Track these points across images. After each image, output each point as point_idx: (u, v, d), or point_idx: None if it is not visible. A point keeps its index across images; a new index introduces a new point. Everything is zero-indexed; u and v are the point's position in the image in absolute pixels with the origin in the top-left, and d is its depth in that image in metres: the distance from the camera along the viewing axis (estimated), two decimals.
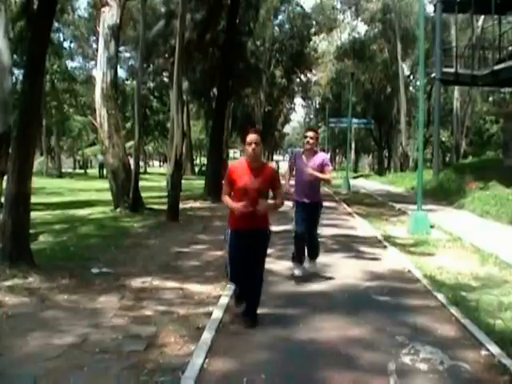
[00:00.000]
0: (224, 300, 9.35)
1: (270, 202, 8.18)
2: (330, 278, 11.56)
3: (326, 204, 13.15)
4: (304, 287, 10.72)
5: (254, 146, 7.82)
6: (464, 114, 65.84)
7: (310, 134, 11.10)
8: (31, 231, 12.52)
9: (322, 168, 10.97)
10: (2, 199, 12.27)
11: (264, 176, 7.96)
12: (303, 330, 7.99)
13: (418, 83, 66.44)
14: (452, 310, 9.04)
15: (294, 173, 11.33)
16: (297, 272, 11.40)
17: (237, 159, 14.91)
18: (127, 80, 67.30)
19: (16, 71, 36.59)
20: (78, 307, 8.91)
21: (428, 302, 9.81)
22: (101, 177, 57.50)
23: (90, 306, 9.01)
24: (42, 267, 11.17)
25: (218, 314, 8.54)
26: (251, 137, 7.87)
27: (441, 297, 9.87)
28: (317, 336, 7.71)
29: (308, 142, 11.00)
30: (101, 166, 61.23)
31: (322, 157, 11.17)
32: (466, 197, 27.93)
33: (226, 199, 8.08)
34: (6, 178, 12.19)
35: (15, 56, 34.63)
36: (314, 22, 76.70)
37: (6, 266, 10.60)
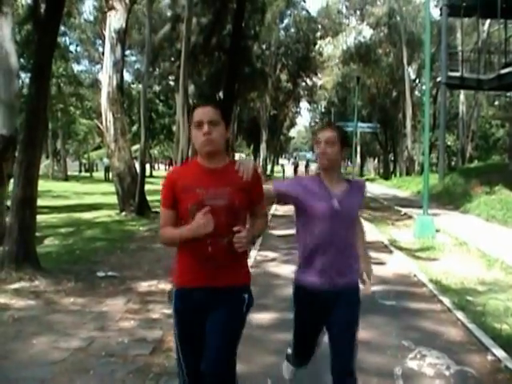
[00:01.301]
0: None
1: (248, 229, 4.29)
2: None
3: None
4: None
5: (206, 127, 4.10)
6: (470, 118, 65.69)
7: (328, 134, 4.78)
8: (37, 234, 12.54)
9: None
10: (9, 202, 12.30)
11: (235, 182, 4.22)
12: None
13: (423, 87, 66.44)
14: (458, 314, 9.03)
15: (300, 218, 4.97)
16: (288, 375, 5.83)
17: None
18: (133, 84, 67.38)
19: (22, 74, 36.68)
20: (84, 310, 8.91)
21: (434, 306, 9.81)
22: (106, 180, 57.61)
23: (96, 309, 9.02)
24: (47, 270, 11.20)
25: None
26: (201, 112, 4.16)
27: (447, 301, 9.86)
28: (323, 339, 7.70)
29: (324, 152, 4.76)
30: (107, 170, 61.36)
31: (360, 187, 5.08)
32: (471, 201, 27.88)
33: (167, 232, 4.31)
34: (12, 181, 12.21)
35: (22, 59, 34.71)
36: (320, 26, 76.64)
37: (12, 268, 10.63)
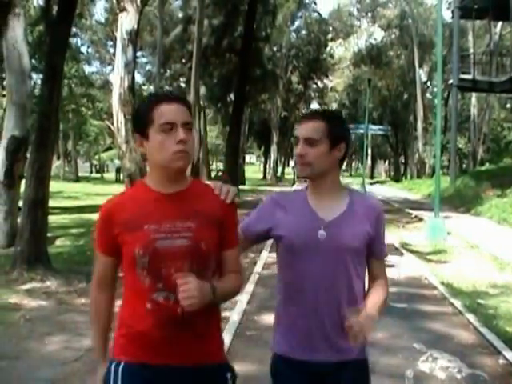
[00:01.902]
0: (241, 305, 9.35)
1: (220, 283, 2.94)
2: None
3: None
4: None
5: (182, 133, 2.79)
6: (481, 121, 65.54)
7: (309, 126, 3.17)
8: (48, 235, 12.56)
9: (367, 247, 3.37)
10: (20, 203, 12.33)
11: (202, 213, 2.90)
12: None
13: (435, 89, 66.32)
14: (469, 317, 9.00)
15: (278, 252, 3.37)
16: None
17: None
18: (144, 85, 67.50)
19: (34, 76, 36.78)
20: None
21: (445, 309, 9.79)
22: (118, 181, 57.70)
23: None
24: (59, 271, 11.21)
25: (235, 318, 8.55)
26: (171, 110, 2.81)
27: (458, 304, 9.84)
28: None
29: (301, 154, 3.16)
30: (118, 171, 61.45)
31: (370, 210, 3.35)
32: (483, 204, 27.79)
33: (93, 306, 3.11)
34: (24, 181, 12.25)
35: (33, 61, 34.80)
36: (331, 28, 76.65)
37: (23, 269, 10.65)
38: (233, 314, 8.80)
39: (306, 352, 3.16)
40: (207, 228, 2.87)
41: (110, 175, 69.46)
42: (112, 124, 24.05)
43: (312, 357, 3.16)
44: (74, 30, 48.91)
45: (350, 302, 3.15)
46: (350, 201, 3.23)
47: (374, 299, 3.26)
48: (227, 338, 7.52)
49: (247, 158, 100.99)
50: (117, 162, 65.60)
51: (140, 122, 2.89)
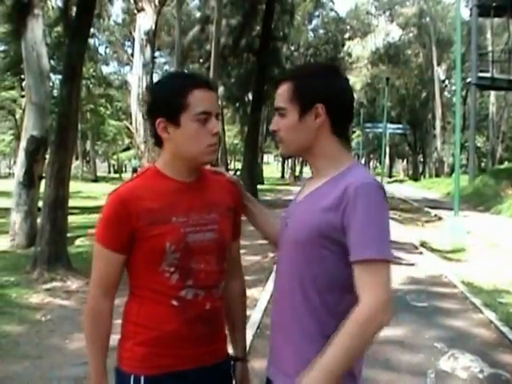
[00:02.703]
0: (262, 304, 9.34)
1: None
2: None
3: None
4: None
5: (215, 123, 2.59)
6: (500, 119, 65.29)
7: (277, 93, 2.56)
8: (68, 235, 12.59)
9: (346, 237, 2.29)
10: (40, 203, 12.38)
11: (220, 202, 2.75)
12: None
13: (453, 88, 66.07)
14: (491, 316, 8.96)
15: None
16: None
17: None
18: None
19: (53, 76, 36.93)
20: (117, 310, 8.91)
21: (466, 307, 9.75)
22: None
23: None
24: (79, 271, 11.22)
25: (256, 317, 8.54)
26: (207, 98, 2.56)
27: (479, 303, 9.80)
28: None
29: (274, 129, 2.60)
30: (134, 171, 61.62)
31: (348, 187, 2.29)
32: (502, 202, 27.68)
33: (99, 307, 2.69)
34: (43, 182, 12.29)
35: (52, 61, 34.95)
36: (349, 27, 76.50)
37: (44, 269, 10.68)
38: (253, 312, 8.79)
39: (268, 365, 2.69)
40: (227, 219, 2.75)
41: (128, 175, 69.55)
42: (130, 124, 24.10)
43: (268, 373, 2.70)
44: (91, 30, 49.10)
45: (302, 320, 2.44)
46: (330, 179, 2.43)
47: (326, 353, 2.23)
48: (248, 336, 7.51)
49: (265, 157, 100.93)
50: (134, 161, 65.78)
51: (171, 106, 2.55)
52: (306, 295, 2.39)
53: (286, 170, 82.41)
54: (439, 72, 74.18)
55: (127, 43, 64.63)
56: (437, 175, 67.70)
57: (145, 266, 2.58)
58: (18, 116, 52.15)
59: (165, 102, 2.58)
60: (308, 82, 2.45)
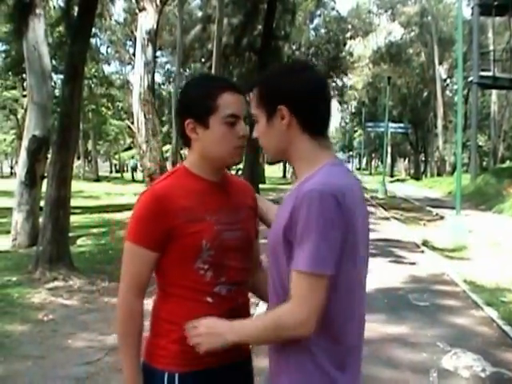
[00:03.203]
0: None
1: None
2: (370, 282, 11.51)
3: None
4: None
5: (244, 127, 2.67)
6: (502, 118, 65.28)
7: (240, 99, 2.67)
8: (70, 234, 12.61)
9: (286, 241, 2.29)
10: (42, 203, 12.38)
11: (244, 202, 2.86)
12: None
13: (455, 87, 66.07)
14: (493, 315, 8.96)
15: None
16: None
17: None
18: (163, 84, 67.73)
19: (54, 76, 36.98)
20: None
21: (468, 306, 9.75)
22: (133, 180, 58.05)
23: None
24: (81, 270, 11.25)
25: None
26: (236, 101, 2.65)
27: (481, 302, 9.80)
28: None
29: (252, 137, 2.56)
30: (133, 170, 61.80)
31: (303, 192, 2.24)
32: (504, 201, 27.67)
33: (133, 306, 2.64)
34: (45, 181, 12.30)
35: (54, 61, 34.98)
36: (350, 26, 76.49)
37: (46, 268, 10.69)
38: (256, 311, 8.79)
39: None
40: (251, 218, 2.84)
41: (130, 175, 69.61)
42: (132, 123, 24.13)
43: None
44: (93, 30, 49.12)
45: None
46: (301, 182, 2.36)
47: (243, 323, 2.46)
48: None
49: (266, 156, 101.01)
50: (132, 161, 66.00)
51: (201, 108, 2.61)
52: (278, 297, 2.36)
53: (287, 170, 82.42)
54: (441, 71, 74.18)
55: (129, 43, 64.67)
56: (438, 174, 67.71)
57: (179, 264, 2.58)
58: (19, 116, 52.28)
59: (194, 103, 2.63)
60: (270, 85, 2.43)
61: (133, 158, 71.96)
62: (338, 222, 2.19)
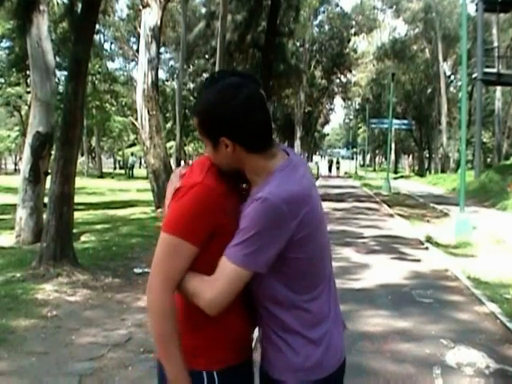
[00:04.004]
0: None
1: None
2: (373, 278, 11.52)
3: (366, 205, 12.35)
4: (350, 285, 10.68)
5: None
6: (506, 115, 65.19)
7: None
8: (74, 231, 12.61)
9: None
10: (46, 199, 12.39)
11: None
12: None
13: (459, 83, 66.02)
14: (497, 311, 8.95)
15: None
16: None
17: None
18: (167, 81, 67.68)
19: (58, 73, 36.99)
20: (122, 307, 8.96)
21: (472, 303, 9.73)
22: (130, 177, 58.10)
23: (133, 305, 9.07)
24: (85, 267, 11.26)
25: None
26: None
27: (485, 298, 9.78)
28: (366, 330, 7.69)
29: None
30: (131, 167, 61.80)
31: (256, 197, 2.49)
32: (509, 198, 27.63)
33: (171, 302, 2.50)
34: (49, 178, 12.31)
35: (57, 58, 34.98)
36: (354, 23, 76.48)
37: (50, 265, 10.69)
38: None
39: None
40: None
41: (134, 171, 69.63)
42: (136, 120, 24.15)
43: None
44: (97, 26, 49.14)
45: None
46: (254, 192, 2.58)
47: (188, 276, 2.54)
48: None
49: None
50: (131, 158, 65.97)
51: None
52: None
53: None
54: (445, 67, 74.12)
55: (132, 39, 64.70)
56: (442, 171, 67.64)
57: (214, 263, 2.50)
58: (23, 112, 52.28)
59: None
60: (207, 118, 2.53)
61: (132, 154, 72.02)
62: (282, 228, 2.43)
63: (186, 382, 2.51)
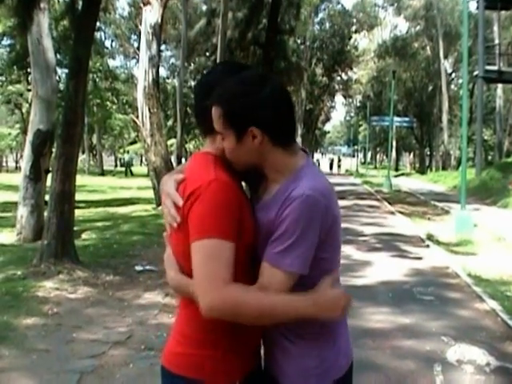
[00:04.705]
0: None
1: None
2: (375, 276, 11.53)
3: (367, 203, 12.34)
4: (351, 282, 10.68)
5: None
6: (507, 112, 65.17)
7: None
8: (75, 228, 12.62)
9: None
10: (47, 197, 12.39)
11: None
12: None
13: (460, 81, 65.98)
14: (497, 309, 8.95)
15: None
16: None
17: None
18: (168, 79, 67.69)
19: (59, 70, 36.96)
20: (123, 304, 8.96)
21: (473, 301, 9.74)
22: (127, 175, 58.09)
23: (134, 303, 9.07)
24: (86, 264, 11.27)
25: None
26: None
27: (486, 296, 9.78)
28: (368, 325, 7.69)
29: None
30: (128, 165, 61.76)
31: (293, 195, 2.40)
32: (510, 196, 27.63)
33: (251, 298, 2.33)
34: (50, 175, 12.31)
35: (58, 55, 34.96)
36: (355, 20, 76.38)
37: (50, 262, 10.70)
38: None
39: None
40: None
41: (134, 169, 69.55)
42: (137, 117, 24.15)
43: None
44: (97, 24, 49.10)
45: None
46: (278, 190, 2.51)
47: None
48: None
49: None
50: (126, 156, 65.96)
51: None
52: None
53: None
54: (446, 65, 74.10)
55: (133, 37, 64.70)
56: (443, 168, 67.65)
57: (237, 261, 2.38)
58: (24, 110, 52.28)
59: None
60: (235, 107, 2.42)
61: (128, 152, 72.03)
62: (321, 224, 2.39)
63: (324, 297, 2.40)
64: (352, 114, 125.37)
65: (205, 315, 2.31)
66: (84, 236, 15.43)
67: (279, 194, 2.45)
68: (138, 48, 32.48)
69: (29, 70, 32.12)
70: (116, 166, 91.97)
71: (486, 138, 66.40)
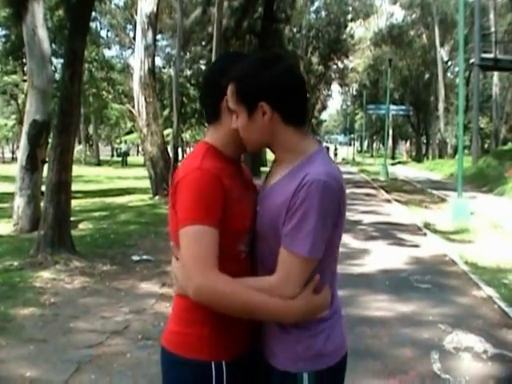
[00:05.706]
0: None
1: None
2: (372, 264, 11.54)
3: (364, 191, 12.32)
4: (349, 271, 10.69)
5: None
6: (503, 100, 65.17)
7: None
8: (72, 219, 12.61)
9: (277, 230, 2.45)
10: (43, 187, 12.38)
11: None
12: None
13: (456, 69, 65.96)
14: (494, 296, 8.97)
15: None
16: None
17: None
18: (164, 68, 67.51)
19: (55, 60, 36.89)
20: (120, 294, 8.96)
21: (470, 288, 9.76)
22: (124, 165, 58.05)
23: (131, 292, 9.07)
24: (83, 254, 11.27)
25: None
26: None
27: (482, 284, 9.80)
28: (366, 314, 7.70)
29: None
30: (124, 155, 61.70)
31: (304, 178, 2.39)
32: (506, 183, 27.67)
33: (239, 292, 2.35)
34: (46, 166, 12.29)
35: (54, 45, 34.88)
36: (351, 8, 76.19)
37: (47, 253, 10.70)
38: None
39: None
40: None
41: (131, 158, 69.51)
42: (133, 107, 24.14)
43: None
44: (93, 14, 48.92)
45: None
46: (290, 171, 2.51)
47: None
48: None
49: None
50: (123, 146, 65.93)
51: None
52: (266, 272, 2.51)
53: None
54: (442, 53, 73.95)
55: (129, 26, 64.50)
56: (440, 156, 67.69)
57: (222, 246, 2.41)
58: (20, 101, 52.18)
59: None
60: (247, 83, 2.46)
61: (125, 142, 71.92)
62: (334, 211, 2.41)
63: (318, 299, 2.47)
64: (348, 103, 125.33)
65: (193, 298, 2.36)
66: (81, 226, 15.43)
67: (290, 175, 2.47)
68: (134, 38, 32.41)
69: (24, 60, 32.08)
70: (112, 156, 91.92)
71: (482, 125, 66.47)
